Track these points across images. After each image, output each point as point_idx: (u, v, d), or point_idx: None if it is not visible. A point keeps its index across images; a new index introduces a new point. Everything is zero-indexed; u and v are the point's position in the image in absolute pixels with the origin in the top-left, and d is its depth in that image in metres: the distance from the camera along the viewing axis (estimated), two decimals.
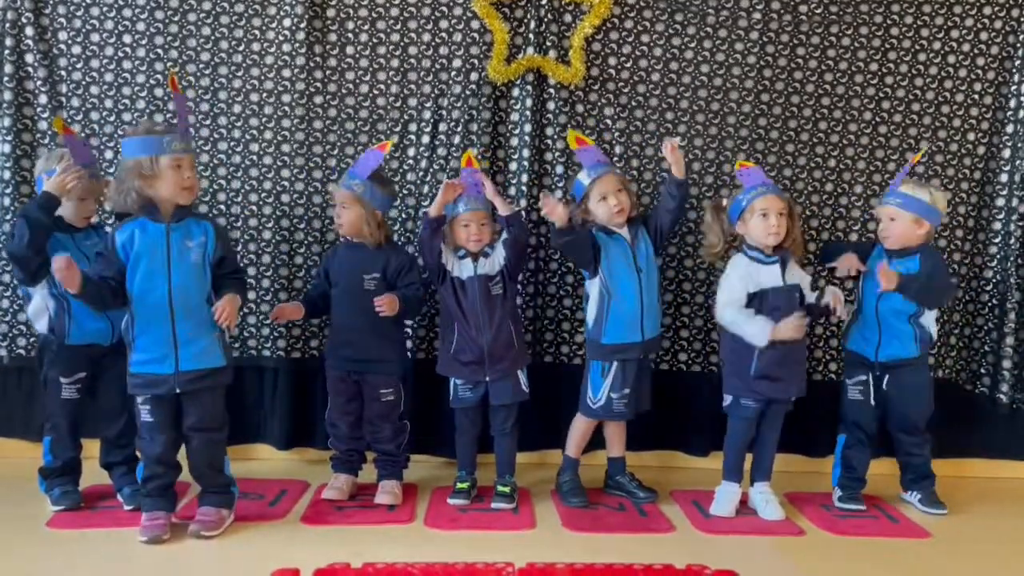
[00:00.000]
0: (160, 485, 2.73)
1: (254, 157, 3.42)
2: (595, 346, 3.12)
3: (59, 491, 2.90)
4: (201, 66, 3.40)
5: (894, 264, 3.09)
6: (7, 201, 3.34)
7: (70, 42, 3.37)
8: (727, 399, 3.09)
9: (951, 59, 3.51)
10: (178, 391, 2.67)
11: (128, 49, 3.39)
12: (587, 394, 3.13)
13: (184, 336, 2.65)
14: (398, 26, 3.44)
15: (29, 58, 3.35)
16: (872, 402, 3.17)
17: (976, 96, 3.52)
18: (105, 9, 3.36)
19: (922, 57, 3.51)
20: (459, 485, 3.10)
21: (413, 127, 3.47)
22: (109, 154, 3.39)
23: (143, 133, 2.68)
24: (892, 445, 3.27)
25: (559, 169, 3.45)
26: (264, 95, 3.42)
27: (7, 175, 3.34)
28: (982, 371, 3.56)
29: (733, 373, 3.07)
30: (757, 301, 2.99)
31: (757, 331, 2.94)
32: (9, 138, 3.33)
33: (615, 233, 3.10)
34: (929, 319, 3.15)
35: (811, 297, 3.07)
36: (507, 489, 3.07)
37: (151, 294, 2.63)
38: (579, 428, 3.18)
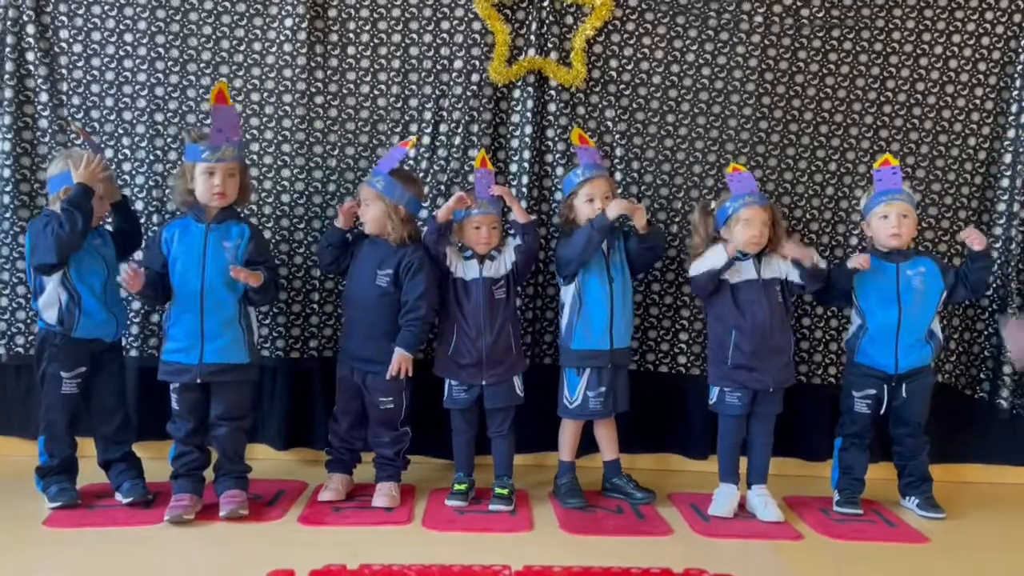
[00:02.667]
0: (189, 464, 2.87)
1: (254, 157, 3.41)
2: (566, 352, 3.15)
3: (56, 488, 2.90)
4: (202, 65, 3.40)
5: (906, 271, 3.10)
6: (7, 199, 3.33)
7: (71, 40, 3.37)
8: (712, 394, 3.12)
9: (952, 64, 3.51)
10: (199, 381, 2.84)
11: (129, 47, 3.38)
12: (564, 395, 3.15)
13: (211, 331, 2.83)
14: (399, 27, 3.43)
15: (30, 56, 3.34)
16: (880, 413, 3.16)
17: (977, 101, 3.52)
18: (106, 7, 3.36)
19: (924, 61, 3.50)
20: (457, 486, 3.10)
21: (414, 128, 3.46)
22: (109, 152, 3.38)
23: (190, 140, 2.88)
24: (890, 449, 3.27)
25: (559, 171, 3.45)
26: (265, 95, 3.42)
27: (7, 173, 3.33)
28: (982, 376, 3.56)
29: (713, 363, 3.12)
30: (732, 296, 3.03)
31: (712, 256, 3.01)
32: (9, 136, 3.33)
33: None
34: (936, 324, 3.17)
35: (798, 277, 3.07)
36: (505, 491, 3.07)
37: (185, 288, 2.84)
38: (566, 431, 3.19)
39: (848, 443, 3.21)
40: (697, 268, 3.08)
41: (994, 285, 3.51)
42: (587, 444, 3.26)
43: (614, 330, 3.09)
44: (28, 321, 3.36)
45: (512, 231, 3.18)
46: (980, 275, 3.15)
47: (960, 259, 3.52)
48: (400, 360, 2.98)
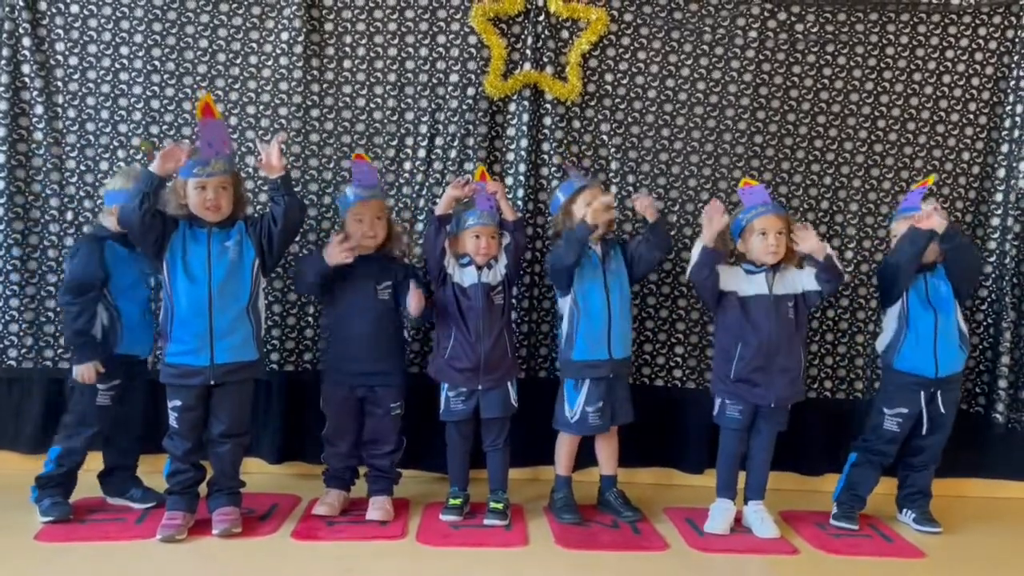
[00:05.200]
0: (184, 481, 2.86)
1: (250, 170, 3.41)
2: (567, 363, 3.13)
3: (49, 502, 2.89)
4: (198, 78, 3.40)
5: (932, 281, 3.10)
6: (1, 211, 3.33)
7: (67, 53, 3.37)
8: (716, 406, 3.11)
9: (946, 79, 3.52)
10: (212, 382, 2.81)
11: (125, 60, 3.39)
12: (563, 409, 3.13)
13: (221, 330, 2.81)
14: (396, 40, 3.44)
15: (26, 68, 3.34)
16: (921, 431, 3.13)
17: (971, 116, 3.53)
18: (102, 20, 3.37)
19: (917, 77, 3.52)
20: (452, 501, 3.08)
21: (410, 141, 3.47)
22: (104, 165, 3.38)
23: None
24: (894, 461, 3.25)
25: (555, 184, 3.45)
26: (261, 108, 3.42)
27: (1, 185, 3.32)
28: (977, 391, 3.56)
29: (717, 375, 3.12)
30: (742, 309, 3.02)
31: (697, 251, 3.01)
32: (4, 148, 3.32)
33: (589, 249, 3.10)
34: (963, 323, 3.15)
35: (814, 283, 3.03)
36: (500, 505, 3.05)
37: (192, 292, 2.80)
38: (563, 445, 3.17)
39: (863, 459, 3.18)
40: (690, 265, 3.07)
41: (989, 300, 3.52)
42: (585, 458, 3.25)
43: (612, 340, 3.08)
44: (20, 334, 3.35)
45: (502, 231, 3.18)
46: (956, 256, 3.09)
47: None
48: None
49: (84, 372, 2.88)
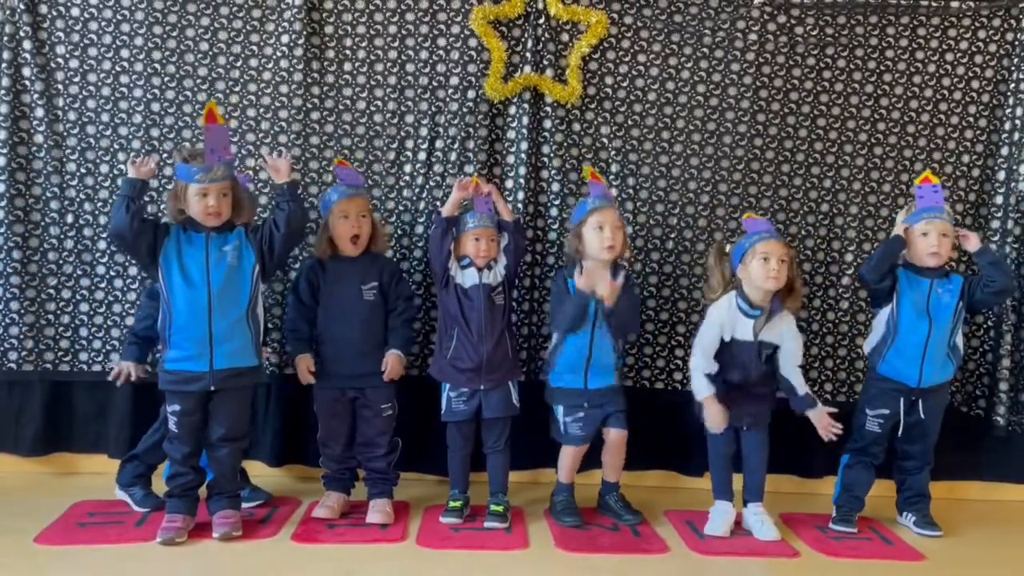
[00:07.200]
0: (184, 484, 2.86)
1: (250, 172, 3.41)
2: (547, 385, 3.15)
3: (141, 492, 3.03)
4: (199, 81, 3.41)
5: (938, 288, 3.07)
6: (1, 214, 3.33)
7: (68, 56, 3.37)
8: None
9: (946, 82, 3.52)
10: (212, 388, 2.80)
11: (126, 63, 3.39)
12: (550, 418, 3.15)
13: (220, 335, 2.80)
14: (396, 43, 3.45)
15: (26, 72, 3.35)
16: (899, 435, 3.14)
17: (971, 119, 3.53)
18: (103, 23, 3.37)
19: (917, 79, 3.52)
20: (452, 504, 3.08)
21: (410, 144, 3.47)
22: (104, 168, 3.38)
23: (180, 160, 2.85)
24: (889, 466, 3.26)
25: (555, 187, 3.46)
26: (261, 111, 3.42)
27: (1, 188, 3.33)
28: (978, 393, 3.56)
29: None
30: (727, 350, 3.00)
31: (699, 387, 3.03)
32: (4, 151, 3.33)
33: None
34: (959, 337, 3.14)
35: (789, 372, 3.00)
36: (500, 508, 3.05)
37: (191, 297, 2.78)
38: (566, 456, 3.15)
39: (854, 460, 3.19)
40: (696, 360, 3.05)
41: None
42: (587, 460, 3.23)
43: (590, 372, 3.07)
44: (21, 336, 3.34)
45: (501, 231, 3.16)
46: (988, 271, 3.07)
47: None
48: (397, 361, 3.05)
49: (120, 367, 3.02)
